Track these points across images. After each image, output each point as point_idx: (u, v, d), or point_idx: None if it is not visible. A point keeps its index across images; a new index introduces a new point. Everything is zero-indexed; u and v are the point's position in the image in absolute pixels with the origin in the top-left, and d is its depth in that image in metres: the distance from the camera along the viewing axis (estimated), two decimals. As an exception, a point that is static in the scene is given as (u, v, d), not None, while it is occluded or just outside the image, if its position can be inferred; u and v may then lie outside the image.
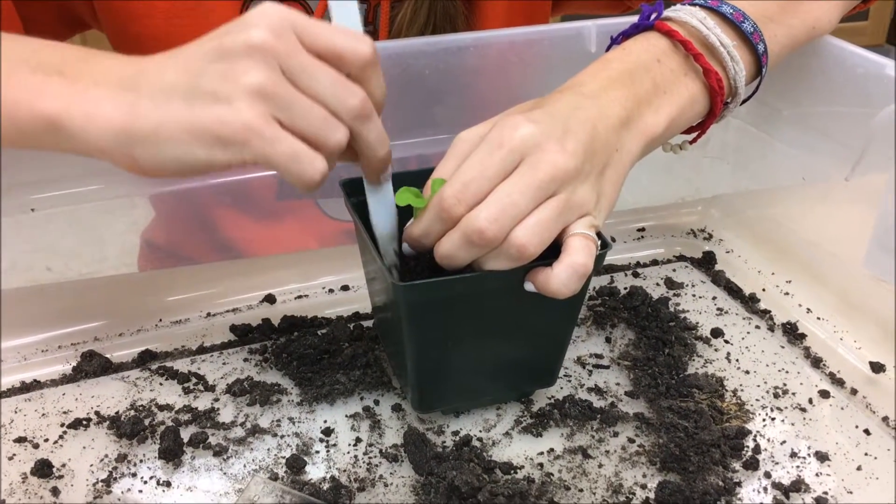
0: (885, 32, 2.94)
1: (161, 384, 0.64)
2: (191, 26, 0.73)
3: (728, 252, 0.83)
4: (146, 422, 0.60)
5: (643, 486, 0.56)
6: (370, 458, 0.58)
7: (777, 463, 0.58)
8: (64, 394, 0.63)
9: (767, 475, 0.57)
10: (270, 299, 0.75)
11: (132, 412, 0.61)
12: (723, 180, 0.86)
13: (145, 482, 0.56)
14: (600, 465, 0.57)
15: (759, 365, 0.68)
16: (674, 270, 0.80)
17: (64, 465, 0.57)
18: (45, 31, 0.76)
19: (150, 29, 0.73)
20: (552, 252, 0.51)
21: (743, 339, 0.71)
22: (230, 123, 0.46)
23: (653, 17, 0.60)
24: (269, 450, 0.58)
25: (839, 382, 0.66)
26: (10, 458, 0.57)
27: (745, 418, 0.62)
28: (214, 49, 0.47)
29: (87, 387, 0.64)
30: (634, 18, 0.61)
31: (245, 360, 0.67)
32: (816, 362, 0.68)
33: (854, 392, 0.65)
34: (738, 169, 0.84)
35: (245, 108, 0.46)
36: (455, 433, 0.60)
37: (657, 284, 0.77)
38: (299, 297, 0.76)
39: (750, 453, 0.58)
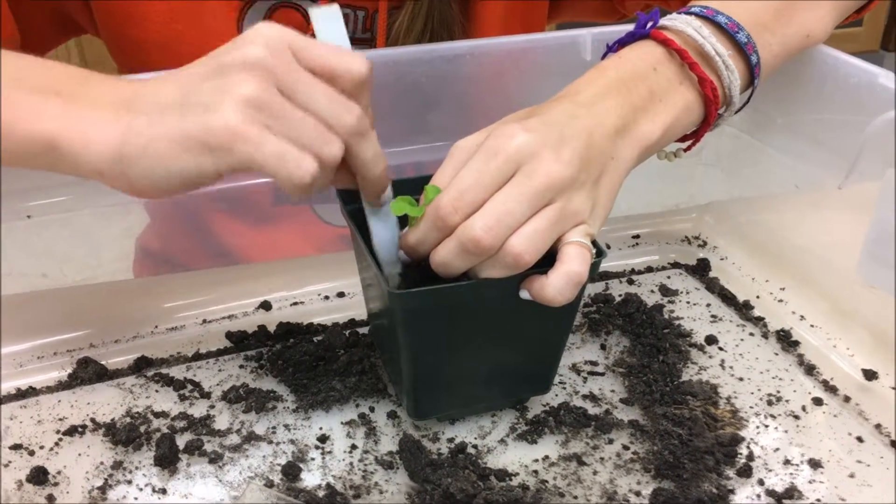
0: (880, 38, 2.95)
1: (157, 391, 0.64)
2: (188, 31, 0.74)
3: (722, 259, 0.83)
4: (142, 429, 0.60)
5: (637, 494, 0.56)
6: (365, 465, 0.58)
7: (770, 470, 0.58)
8: (59, 400, 0.63)
9: (761, 482, 0.57)
10: (266, 306, 0.75)
11: (128, 419, 0.61)
12: (717, 187, 0.86)
13: (141, 489, 0.56)
14: (595, 473, 0.58)
15: (753, 372, 0.68)
16: (668, 277, 0.80)
17: (59, 472, 0.57)
18: (40, 35, 0.77)
19: (147, 33, 0.73)
20: (547, 260, 0.52)
21: (737, 346, 0.71)
22: (214, 129, 0.46)
23: (649, 25, 0.60)
24: (264, 457, 0.58)
25: (832, 390, 0.66)
26: (6, 466, 0.57)
27: (739, 425, 0.62)
28: (212, 68, 0.48)
29: (83, 393, 0.64)
30: (630, 26, 0.62)
31: (241, 366, 0.67)
32: (810, 369, 0.68)
33: (847, 399, 0.65)
34: (733, 176, 0.84)
35: (231, 113, 0.46)
36: (450, 440, 0.60)
37: (652, 291, 0.78)
38: (295, 303, 0.76)
39: (744, 460, 0.59)
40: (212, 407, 0.63)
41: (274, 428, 0.61)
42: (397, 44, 0.76)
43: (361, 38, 0.78)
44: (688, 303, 0.76)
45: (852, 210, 0.69)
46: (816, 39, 0.68)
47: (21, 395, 0.64)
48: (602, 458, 0.59)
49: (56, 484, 0.56)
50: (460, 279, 0.53)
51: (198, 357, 0.68)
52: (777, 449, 0.60)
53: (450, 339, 0.56)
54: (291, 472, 0.56)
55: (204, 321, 0.73)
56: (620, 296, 0.76)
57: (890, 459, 0.59)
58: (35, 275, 0.72)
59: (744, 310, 0.76)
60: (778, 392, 0.66)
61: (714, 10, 0.61)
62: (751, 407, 0.64)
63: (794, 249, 0.78)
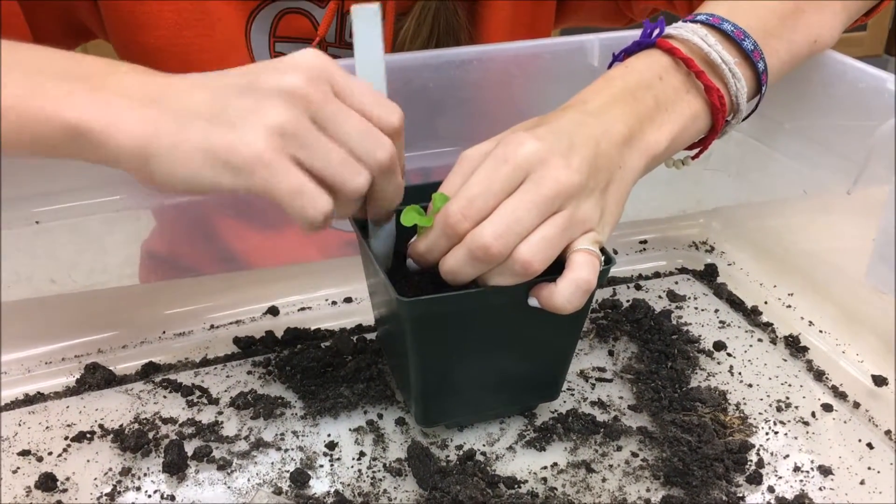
0: (884, 43, 2.94)
1: (165, 397, 0.64)
2: (197, 37, 0.74)
3: (730, 264, 0.83)
4: (150, 435, 0.60)
5: (647, 501, 0.56)
6: (374, 472, 0.58)
7: (780, 477, 0.58)
8: (68, 406, 0.63)
9: (771, 489, 0.57)
10: (274, 311, 0.75)
11: (136, 425, 0.61)
12: (724, 193, 0.86)
13: (149, 496, 0.56)
14: (604, 480, 0.57)
15: (762, 378, 0.68)
16: (676, 283, 0.80)
17: (68, 479, 0.57)
18: (51, 40, 0.77)
19: (156, 39, 0.73)
20: (556, 267, 0.52)
21: (745, 352, 0.71)
22: (240, 151, 0.47)
23: (654, 34, 0.60)
24: (272, 463, 0.58)
25: (842, 396, 0.66)
26: (14, 472, 0.57)
27: (748, 432, 0.62)
28: (247, 84, 0.49)
29: (91, 399, 0.64)
30: (637, 32, 0.62)
31: (248, 372, 0.67)
32: (819, 375, 0.68)
33: (857, 405, 0.65)
34: (740, 181, 0.84)
35: (259, 139, 0.47)
36: (459, 447, 0.60)
37: (659, 297, 0.78)
38: (302, 308, 0.76)
39: (753, 467, 0.58)
40: (220, 413, 0.63)
41: (282, 434, 0.61)
42: (404, 49, 0.76)
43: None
44: (696, 308, 0.76)
45: (861, 215, 0.69)
46: (824, 45, 0.68)
47: (29, 400, 0.64)
48: (611, 465, 0.59)
49: (65, 490, 0.56)
50: (469, 287, 0.53)
51: (205, 363, 0.68)
52: (787, 456, 0.60)
53: (458, 346, 0.56)
54: (300, 479, 0.56)
55: (212, 326, 0.73)
56: (628, 301, 0.75)
57: (900, 466, 0.59)
58: (43, 280, 0.72)
59: (752, 315, 0.76)
60: (787, 398, 0.66)
61: (720, 17, 0.61)
62: (760, 413, 0.64)
63: (802, 254, 0.78)
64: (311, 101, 0.48)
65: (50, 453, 0.59)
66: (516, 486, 0.56)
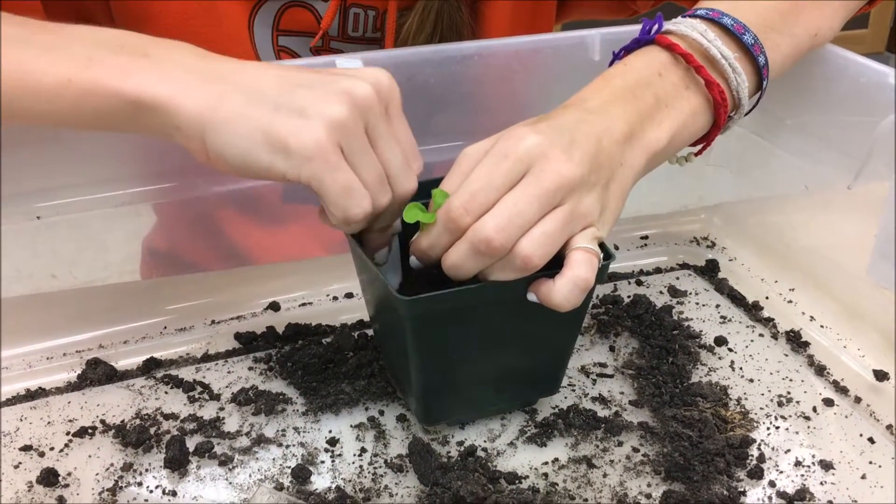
0: (885, 40, 2.94)
1: (166, 392, 0.64)
2: (203, 29, 0.74)
3: (731, 260, 0.83)
4: (151, 430, 0.60)
5: (648, 496, 0.56)
6: (375, 468, 0.58)
7: (781, 472, 0.58)
8: (69, 402, 0.63)
9: (772, 484, 0.57)
10: (275, 307, 0.75)
11: (137, 421, 0.61)
12: (725, 188, 0.86)
13: (151, 491, 0.56)
14: (605, 475, 0.57)
15: (763, 373, 0.68)
16: (677, 279, 0.80)
17: (70, 474, 0.57)
18: None
19: (163, 30, 0.74)
20: (556, 262, 0.52)
21: (746, 347, 0.71)
22: (302, 137, 0.48)
23: (653, 30, 0.60)
24: (274, 459, 0.58)
25: (843, 390, 0.66)
26: (16, 467, 0.57)
27: (750, 427, 0.62)
28: (316, 80, 0.51)
29: (93, 395, 0.64)
30: (638, 27, 0.62)
31: (250, 368, 0.67)
32: (820, 370, 0.68)
33: (858, 400, 0.65)
34: (741, 177, 0.84)
35: (321, 130, 0.48)
36: (460, 443, 0.60)
37: (660, 293, 0.78)
38: (303, 304, 0.76)
39: (754, 462, 0.59)
40: (221, 409, 0.63)
41: (283, 431, 0.61)
42: (406, 44, 0.76)
43: (371, 38, 0.78)
44: (697, 304, 0.76)
45: (862, 210, 0.69)
46: (825, 38, 0.68)
47: (31, 396, 0.64)
48: (612, 461, 0.59)
49: (66, 485, 0.56)
50: (467, 283, 0.53)
51: (207, 358, 0.69)
52: (788, 450, 0.60)
53: (459, 343, 0.55)
54: (301, 474, 0.56)
55: (213, 322, 0.73)
56: (629, 297, 0.75)
57: (901, 461, 0.59)
58: (44, 276, 0.72)
59: (753, 311, 0.76)
60: (788, 393, 0.66)
61: (720, 12, 0.60)
62: (761, 408, 0.64)
63: (803, 250, 0.78)
64: (369, 112, 0.50)
65: (51, 448, 0.59)
66: (517, 481, 0.57)
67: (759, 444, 0.60)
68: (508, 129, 0.55)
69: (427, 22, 0.75)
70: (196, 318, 0.73)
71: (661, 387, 0.65)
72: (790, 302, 0.76)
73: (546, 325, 0.57)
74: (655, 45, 0.60)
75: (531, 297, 0.53)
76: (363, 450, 0.59)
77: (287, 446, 0.59)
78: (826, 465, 0.59)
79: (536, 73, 0.75)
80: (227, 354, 0.69)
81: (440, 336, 0.55)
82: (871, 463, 0.59)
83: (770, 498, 0.56)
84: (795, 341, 0.71)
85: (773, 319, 0.74)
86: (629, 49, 0.61)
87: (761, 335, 0.72)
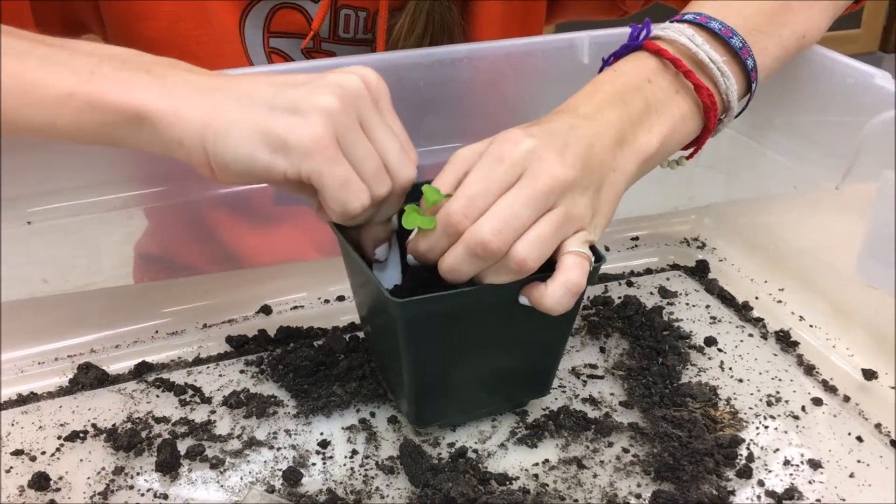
0: (878, 40, 2.95)
1: (158, 396, 0.65)
2: (194, 30, 0.74)
3: (721, 261, 0.83)
4: (143, 434, 0.60)
5: (637, 496, 0.56)
6: (366, 470, 0.58)
7: (770, 471, 0.58)
8: (61, 406, 0.64)
9: (761, 483, 0.57)
10: (266, 310, 0.75)
11: (129, 425, 0.61)
12: (715, 189, 0.86)
13: (142, 495, 0.56)
14: (595, 476, 0.58)
15: (753, 373, 0.68)
16: (667, 279, 0.80)
17: (61, 478, 0.57)
18: (50, 34, 0.77)
19: (153, 31, 0.74)
20: (547, 264, 0.52)
21: (736, 347, 0.71)
22: (300, 133, 0.49)
23: (642, 36, 0.60)
24: (265, 462, 0.58)
25: (832, 390, 0.67)
26: (8, 471, 0.57)
27: (739, 427, 0.62)
28: (306, 79, 0.52)
29: (84, 399, 0.64)
30: (627, 30, 0.62)
31: (241, 371, 0.67)
32: (809, 370, 0.69)
33: (847, 399, 0.66)
34: (731, 178, 0.84)
35: (318, 123, 0.49)
36: (451, 445, 0.60)
37: (651, 293, 0.78)
38: (295, 307, 0.76)
39: (743, 462, 0.59)
40: (213, 412, 0.63)
41: (275, 433, 0.61)
42: (398, 45, 0.76)
43: (362, 39, 0.79)
44: (687, 304, 0.77)
45: (850, 210, 0.69)
46: (812, 39, 0.68)
47: (22, 400, 0.64)
48: (602, 462, 0.59)
49: (58, 489, 0.56)
50: (460, 286, 0.53)
51: (198, 362, 0.69)
52: (777, 450, 0.60)
53: (451, 345, 0.56)
54: (292, 477, 0.57)
55: (204, 325, 0.73)
56: (619, 298, 0.76)
57: (890, 459, 0.60)
58: (36, 281, 0.72)
59: (743, 311, 0.76)
60: (777, 393, 0.66)
61: (707, 16, 0.61)
62: (750, 408, 0.64)
63: (792, 250, 0.78)
64: (359, 104, 0.51)
65: (43, 453, 0.59)
66: (508, 482, 0.57)
67: (749, 444, 0.60)
68: (502, 133, 0.55)
69: (418, 22, 0.75)
70: (188, 321, 0.73)
71: (651, 387, 0.65)
72: (779, 302, 0.77)
73: (537, 327, 0.57)
74: (644, 50, 0.60)
75: (523, 300, 0.53)
76: (354, 452, 0.59)
77: (278, 449, 0.60)
78: (815, 465, 0.59)
79: (526, 76, 0.75)
80: (218, 358, 0.69)
81: (433, 338, 0.55)
82: (859, 462, 0.60)
83: (759, 497, 0.56)
84: (785, 341, 0.72)
85: (762, 319, 0.75)
86: (618, 55, 0.61)
87: (751, 335, 0.73)
